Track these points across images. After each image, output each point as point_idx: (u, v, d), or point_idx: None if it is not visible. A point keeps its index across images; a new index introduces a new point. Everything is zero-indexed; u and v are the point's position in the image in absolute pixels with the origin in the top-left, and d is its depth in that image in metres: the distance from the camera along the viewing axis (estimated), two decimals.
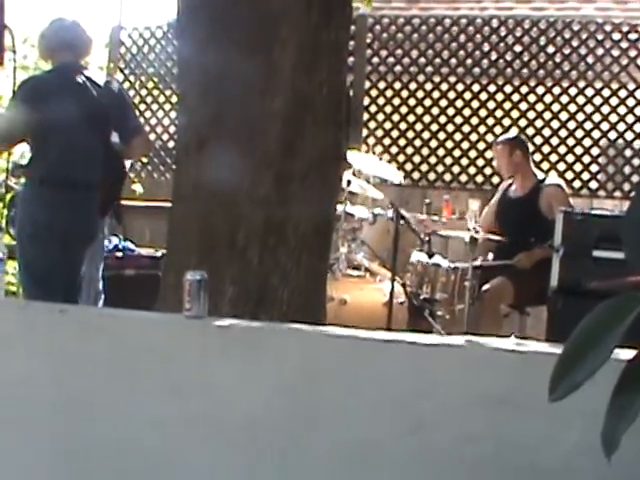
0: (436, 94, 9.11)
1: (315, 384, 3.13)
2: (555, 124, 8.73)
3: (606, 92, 8.62)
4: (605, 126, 8.62)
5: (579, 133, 8.68)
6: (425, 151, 9.09)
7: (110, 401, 3.32)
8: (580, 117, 8.67)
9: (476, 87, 8.97)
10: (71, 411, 3.38)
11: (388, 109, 9.20)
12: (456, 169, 9.03)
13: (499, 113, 8.88)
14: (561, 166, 8.67)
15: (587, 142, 8.67)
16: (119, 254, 6.77)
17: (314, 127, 4.06)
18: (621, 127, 8.58)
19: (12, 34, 5.19)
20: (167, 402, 3.26)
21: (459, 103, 9.02)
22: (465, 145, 8.99)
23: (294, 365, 3.15)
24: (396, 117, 9.17)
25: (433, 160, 9.09)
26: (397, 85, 9.21)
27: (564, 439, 2.83)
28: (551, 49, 8.83)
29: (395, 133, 9.17)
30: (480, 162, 8.93)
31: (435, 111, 9.09)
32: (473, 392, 2.95)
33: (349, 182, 6.45)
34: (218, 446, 3.20)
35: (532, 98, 8.82)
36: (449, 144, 9.05)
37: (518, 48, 8.92)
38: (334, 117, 4.17)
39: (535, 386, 2.73)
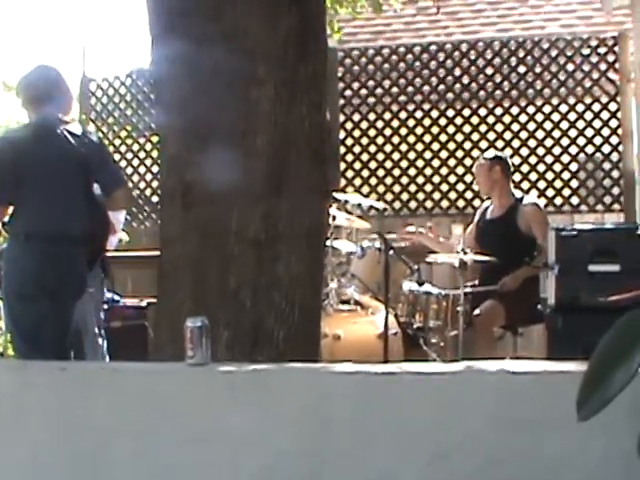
0: (411, 122, 9.09)
1: (328, 422, 3.08)
2: (532, 143, 8.73)
3: (580, 107, 8.65)
4: (582, 141, 8.64)
5: (557, 150, 8.69)
6: (404, 180, 9.07)
7: (121, 455, 3.27)
8: (556, 134, 8.69)
9: (450, 112, 8.96)
10: (84, 469, 3.32)
11: (364, 141, 9.16)
12: (437, 195, 9.01)
13: (475, 137, 8.87)
14: (541, 184, 8.66)
15: (565, 158, 8.67)
16: (104, 306, 6.68)
17: (299, 163, 4.03)
18: (598, 140, 8.59)
19: None
20: (179, 452, 3.21)
21: (435, 129, 9.01)
22: (444, 171, 8.98)
23: (304, 405, 3.10)
24: (373, 148, 9.14)
25: (413, 188, 9.07)
26: (371, 116, 9.20)
27: (588, 455, 2.79)
28: (522, 69, 8.85)
29: (373, 164, 9.14)
30: (460, 187, 8.91)
31: (411, 139, 9.07)
32: (490, 417, 2.92)
33: (334, 217, 6.41)
34: None
35: (507, 119, 8.82)
36: (428, 171, 9.03)
37: (489, 71, 8.94)
38: (318, 151, 4.14)
39: (549, 405, 2.71)
